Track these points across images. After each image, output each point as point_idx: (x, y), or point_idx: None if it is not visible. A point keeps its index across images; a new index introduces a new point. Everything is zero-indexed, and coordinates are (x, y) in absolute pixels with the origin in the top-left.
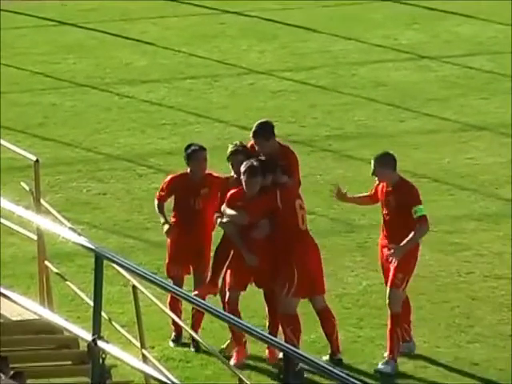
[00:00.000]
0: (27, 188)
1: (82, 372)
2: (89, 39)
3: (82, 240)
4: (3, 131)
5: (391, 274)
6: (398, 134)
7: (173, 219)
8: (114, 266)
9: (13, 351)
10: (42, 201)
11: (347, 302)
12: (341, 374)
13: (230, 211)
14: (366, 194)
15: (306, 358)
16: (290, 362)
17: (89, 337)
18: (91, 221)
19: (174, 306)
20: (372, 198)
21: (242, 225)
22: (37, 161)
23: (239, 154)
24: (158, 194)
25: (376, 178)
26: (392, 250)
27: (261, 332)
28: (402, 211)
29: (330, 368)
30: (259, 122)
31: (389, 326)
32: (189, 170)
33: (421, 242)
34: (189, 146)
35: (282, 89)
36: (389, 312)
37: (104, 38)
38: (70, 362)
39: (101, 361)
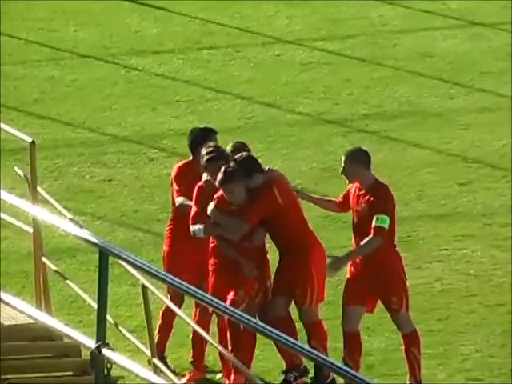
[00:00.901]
0: (21, 174)
1: None
2: (92, 3)
3: (85, 233)
4: None
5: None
6: (447, 112)
7: (171, 225)
8: (121, 263)
9: (5, 360)
10: (38, 188)
11: None
12: None
13: (223, 219)
14: (333, 198)
15: (337, 366)
16: (320, 371)
17: (92, 344)
18: (95, 211)
19: (168, 320)
20: (341, 206)
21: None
22: (33, 142)
23: (217, 159)
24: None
25: (346, 179)
26: (328, 261)
27: (291, 340)
28: None
29: (367, 380)
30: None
31: (403, 347)
32: (192, 158)
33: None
34: (196, 130)
35: (312, 60)
36: (400, 333)
37: (110, 2)
38: (70, 373)
39: (106, 371)
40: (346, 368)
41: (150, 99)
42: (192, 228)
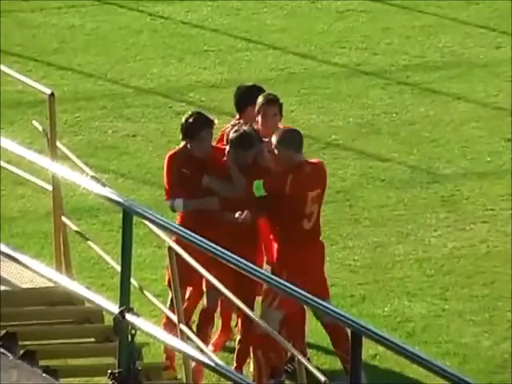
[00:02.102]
0: (40, 128)
1: (107, 351)
2: None
3: (107, 192)
4: (11, 58)
5: None
6: (493, 62)
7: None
8: (146, 223)
9: (23, 326)
10: (58, 144)
11: (429, 269)
12: (421, 355)
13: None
14: None
15: (379, 335)
16: (358, 340)
17: (115, 309)
18: (118, 168)
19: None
20: None
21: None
22: (52, 95)
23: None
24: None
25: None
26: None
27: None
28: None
29: (409, 348)
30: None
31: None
32: (188, 146)
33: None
34: (191, 118)
35: (350, 8)
36: None
37: None
38: (92, 340)
39: (130, 338)
40: (387, 336)
41: (177, 49)
42: (170, 203)
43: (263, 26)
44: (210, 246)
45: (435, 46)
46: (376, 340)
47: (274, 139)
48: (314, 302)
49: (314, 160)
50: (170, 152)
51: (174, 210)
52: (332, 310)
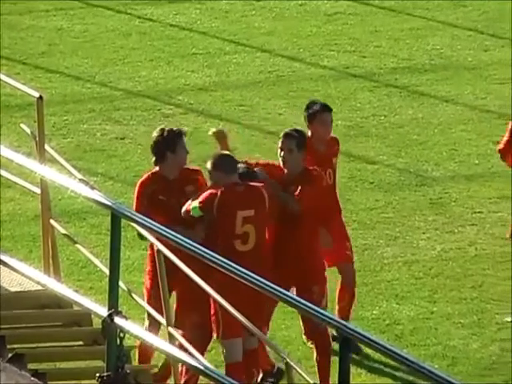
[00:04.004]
0: (28, 131)
1: (96, 354)
2: None
3: (96, 194)
4: None
5: None
6: (481, 65)
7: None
8: (134, 225)
9: (11, 329)
10: (46, 147)
11: (418, 271)
12: (410, 358)
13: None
14: None
15: (368, 338)
16: (348, 343)
17: (104, 312)
18: (106, 171)
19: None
20: None
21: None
22: (40, 98)
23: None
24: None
25: None
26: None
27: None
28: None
29: (397, 351)
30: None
31: None
32: (158, 168)
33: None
34: (164, 132)
35: (338, 11)
36: None
37: None
38: (80, 343)
39: (118, 341)
40: (375, 338)
41: (165, 52)
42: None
43: (251, 28)
44: (200, 249)
45: (423, 49)
46: (364, 343)
47: (208, 163)
48: (303, 305)
49: (254, 184)
50: (142, 178)
51: (142, 238)
52: (321, 314)
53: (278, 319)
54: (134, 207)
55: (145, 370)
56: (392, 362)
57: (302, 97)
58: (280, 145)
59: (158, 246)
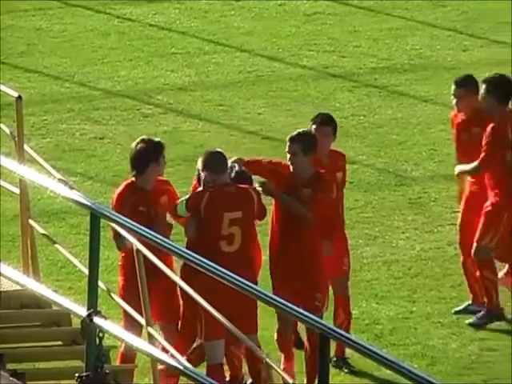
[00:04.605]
0: (7, 131)
1: (75, 354)
2: None
3: (75, 194)
4: None
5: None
6: (460, 65)
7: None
8: (114, 225)
9: None
10: (25, 146)
11: (397, 271)
12: (389, 357)
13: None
14: None
15: (347, 338)
16: (327, 342)
17: (83, 312)
18: (86, 171)
19: None
20: None
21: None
22: (19, 97)
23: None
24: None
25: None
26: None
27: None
28: None
29: (377, 350)
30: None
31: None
32: (134, 179)
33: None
34: (145, 143)
35: (317, 11)
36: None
37: None
38: (59, 343)
39: (97, 341)
40: (354, 338)
41: (144, 52)
42: (121, 240)
43: (231, 28)
44: (180, 249)
45: (402, 49)
46: (344, 342)
47: (198, 162)
48: (281, 304)
49: (243, 186)
50: (119, 189)
51: (120, 248)
52: (301, 314)
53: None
54: None
55: (124, 370)
56: (371, 362)
57: (282, 97)
58: (287, 149)
59: (138, 245)
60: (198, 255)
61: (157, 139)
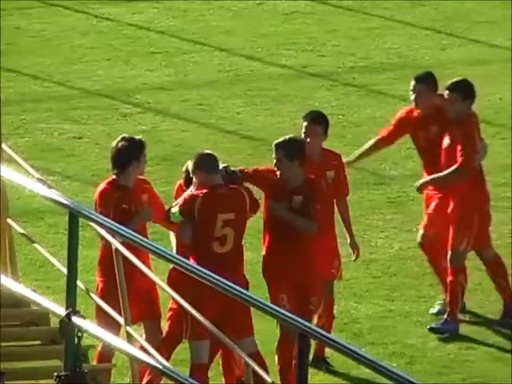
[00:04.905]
0: None
1: (53, 354)
2: None
3: (54, 194)
4: None
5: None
6: (439, 64)
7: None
8: (92, 225)
9: None
10: (3, 146)
11: (376, 270)
12: (368, 356)
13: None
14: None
15: (326, 337)
16: (306, 341)
17: (62, 311)
18: (64, 170)
19: None
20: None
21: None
22: None
23: None
24: None
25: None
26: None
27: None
28: None
29: (355, 349)
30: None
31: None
32: (115, 177)
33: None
34: (127, 141)
35: (296, 10)
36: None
37: None
38: (38, 342)
39: (76, 340)
40: (334, 337)
41: (123, 51)
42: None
43: (210, 27)
44: (153, 246)
45: (381, 48)
46: (323, 341)
47: (189, 164)
48: (258, 302)
49: (236, 186)
50: (102, 187)
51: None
52: (280, 313)
53: None
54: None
55: (102, 369)
56: (350, 361)
57: (260, 96)
58: (273, 155)
59: (116, 245)
60: (187, 256)
61: (138, 137)
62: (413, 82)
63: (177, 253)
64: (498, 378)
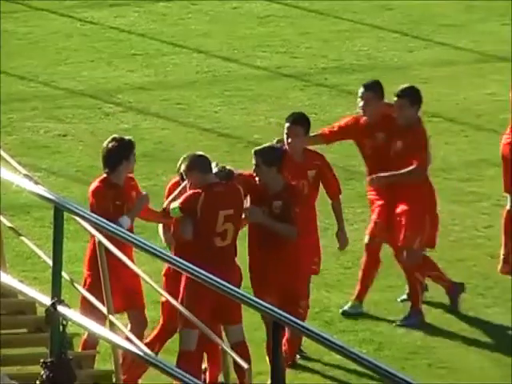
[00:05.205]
0: None
1: (40, 341)
2: None
3: (40, 189)
4: None
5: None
6: (406, 65)
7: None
8: (77, 219)
9: None
10: None
11: (347, 261)
12: (339, 343)
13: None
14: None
15: (299, 325)
16: (281, 330)
17: (47, 301)
18: (50, 167)
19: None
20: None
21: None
22: None
23: None
24: None
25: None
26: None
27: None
28: None
29: (328, 337)
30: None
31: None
32: (106, 175)
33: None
34: (119, 141)
35: (270, 13)
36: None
37: None
38: (25, 330)
39: (61, 328)
40: (307, 325)
41: (106, 53)
42: (120, 222)
43: (188, 30)
44: (136, 239)
45: (351, 50)
46: (296, 329)
47: (182, 166)
48: (234, 291)
49: (231, 183)
50: (95, 185)
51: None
52: (255, 302)
53: None
54: (99, 214)
55: (86, 355)
56: (322, 348)
57: (237, 96)
58: (253, 161)
59: (99, 237)
60: (186, 250)
61: (127, 138)
62: (361, 90)
63: (175, 248)
64: (461, 363)
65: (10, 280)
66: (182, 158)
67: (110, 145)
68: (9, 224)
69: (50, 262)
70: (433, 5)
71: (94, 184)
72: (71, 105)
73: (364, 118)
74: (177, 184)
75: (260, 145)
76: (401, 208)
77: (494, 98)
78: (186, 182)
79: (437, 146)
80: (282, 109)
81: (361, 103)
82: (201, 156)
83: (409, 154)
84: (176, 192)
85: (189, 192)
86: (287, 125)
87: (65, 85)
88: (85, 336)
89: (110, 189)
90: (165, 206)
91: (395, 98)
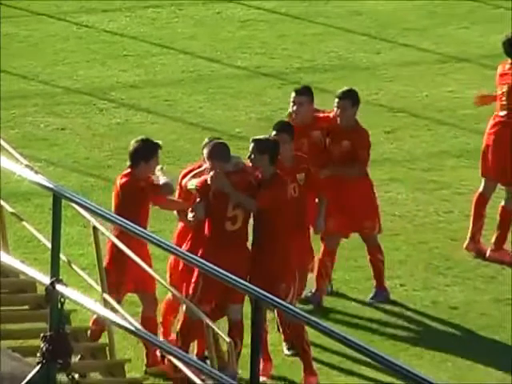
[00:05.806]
0: None
1: (40, 317)
2: None
3: (39, 178)
4: None
5: None
6: (374, 65)
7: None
8: (74, 205)
9: None
10: None
11: (316, 244)
12: (314, 318)
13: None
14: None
15: (277, 302)
16: (259, 307)
17: (47, 280)
18: (49, 158)
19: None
20: None
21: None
22: None
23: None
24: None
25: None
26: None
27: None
28: None
29: (303, 313)
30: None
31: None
32: (131, 170)
33: None
34: (146, 141)
35: (250, 18)
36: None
37: None
38: (26, 307)
39: (59, 305)
40: (286, 304)
41: (100, 54)
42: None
43: (175, 33)
44: (129, 225)
45: (324, 51)
46: (274, 306)
47: (205, 152)
48: (225, 276)
49: (244, 173)
50: (123, 181)
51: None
52: (234, 280)
53: None
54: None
55: (83, 329)
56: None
57: (219, 93)
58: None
59: (95, 223)
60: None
61: (154, 141)
62: (293, 94)
63: (192, 230)
64: (422, 334)
65: (12, 261)
66: (204, 142)
67: (136, 144)
68: (11, 210)
69: (49, 245)
70: (398, 10)
71: (122, 179)
72: (68, 101)
73: (295, 121)
74: (189, 172)
75: (241, 138)
76: (351, 200)
77: (454, 95)
78: (207, 165)
79: (402, 139)
80: (262, 105)
81: (294, 107)
82: (221, 144)
83: (354, 151)
84: (197, 171)
85: (206, 176)
86: (274, 133)
87: (63, 83)
88: (95, 316)
89: (136, 181)
90: (184, 182)
91: (336, 100)
